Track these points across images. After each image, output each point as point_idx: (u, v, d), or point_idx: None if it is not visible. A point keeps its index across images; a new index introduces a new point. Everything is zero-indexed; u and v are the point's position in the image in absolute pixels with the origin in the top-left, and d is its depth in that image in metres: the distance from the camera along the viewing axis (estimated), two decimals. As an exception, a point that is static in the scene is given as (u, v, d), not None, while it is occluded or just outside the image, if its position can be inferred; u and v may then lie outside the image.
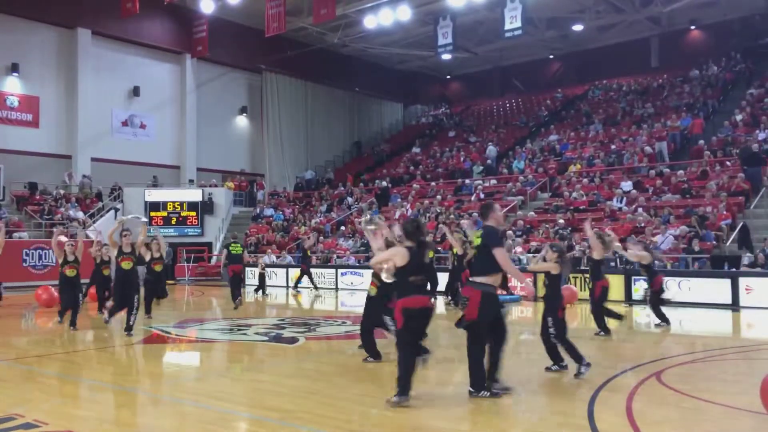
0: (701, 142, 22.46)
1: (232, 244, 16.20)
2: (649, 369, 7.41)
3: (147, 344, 9.52)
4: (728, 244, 16.48)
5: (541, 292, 7.62)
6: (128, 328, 10.13)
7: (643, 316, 13.86)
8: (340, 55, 33.55)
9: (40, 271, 20.94)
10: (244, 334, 11.08)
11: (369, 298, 8.11)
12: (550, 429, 5.23)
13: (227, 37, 29.78)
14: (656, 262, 12.56)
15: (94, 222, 24.19)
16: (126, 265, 10.13)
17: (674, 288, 14.40)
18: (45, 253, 21.13)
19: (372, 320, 7.99)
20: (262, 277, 19.30)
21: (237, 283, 15.32)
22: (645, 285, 11.81)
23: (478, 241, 6.33)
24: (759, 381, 5.25)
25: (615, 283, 16.07)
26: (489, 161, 27.44)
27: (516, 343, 10.25)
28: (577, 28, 30.56)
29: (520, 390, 6.81)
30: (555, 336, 7.00)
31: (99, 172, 26.67)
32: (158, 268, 12.21)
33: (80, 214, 24.05)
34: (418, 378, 7.32)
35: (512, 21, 23.80)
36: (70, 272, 10.85)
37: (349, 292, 20.00)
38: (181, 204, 26.60)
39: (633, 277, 15.36)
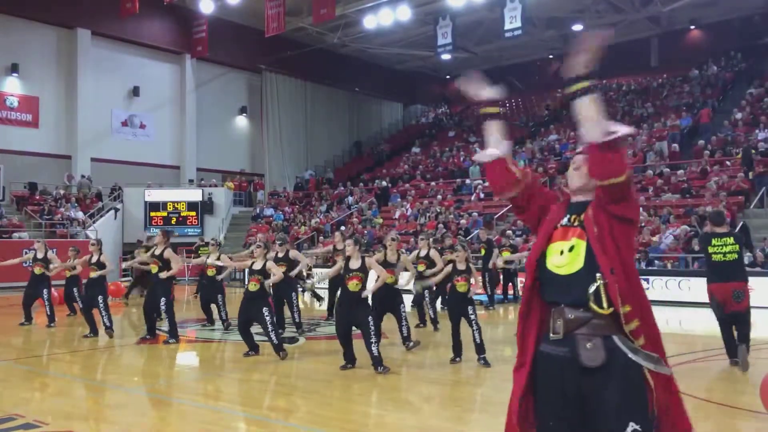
0: (701, 142, 22.45)
1: (202, 248, 16.64)
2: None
3: (146, 344, 9.52)
4: (728, 243, 16.44)
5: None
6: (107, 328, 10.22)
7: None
8: (339, 55, 33.52)
9: (40, 271, 20.89)
10: (244, 334, 11.08)
11: (248, 294, 8.39)
12: (550, 429, 5.22)
13: (227, 37, 29.75)
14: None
15: (93, 222, 24.19)
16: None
17: (674, 288, 14.39)
18: (45, 254, 21.05)
19: (249, 315, 8.32)
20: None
21: None
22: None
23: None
24: (759, 381, 5.25)
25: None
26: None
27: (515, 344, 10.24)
28: (577, 28, 30.52)
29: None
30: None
31: (99, 172, 26.64)
32: (210, 272, 11.81)
33: (80, 215, 24.04)
34: (419, 378, 7.33)
35: (512, 21, 23.79)
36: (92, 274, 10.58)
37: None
38: (181, 204, 26.62)
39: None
